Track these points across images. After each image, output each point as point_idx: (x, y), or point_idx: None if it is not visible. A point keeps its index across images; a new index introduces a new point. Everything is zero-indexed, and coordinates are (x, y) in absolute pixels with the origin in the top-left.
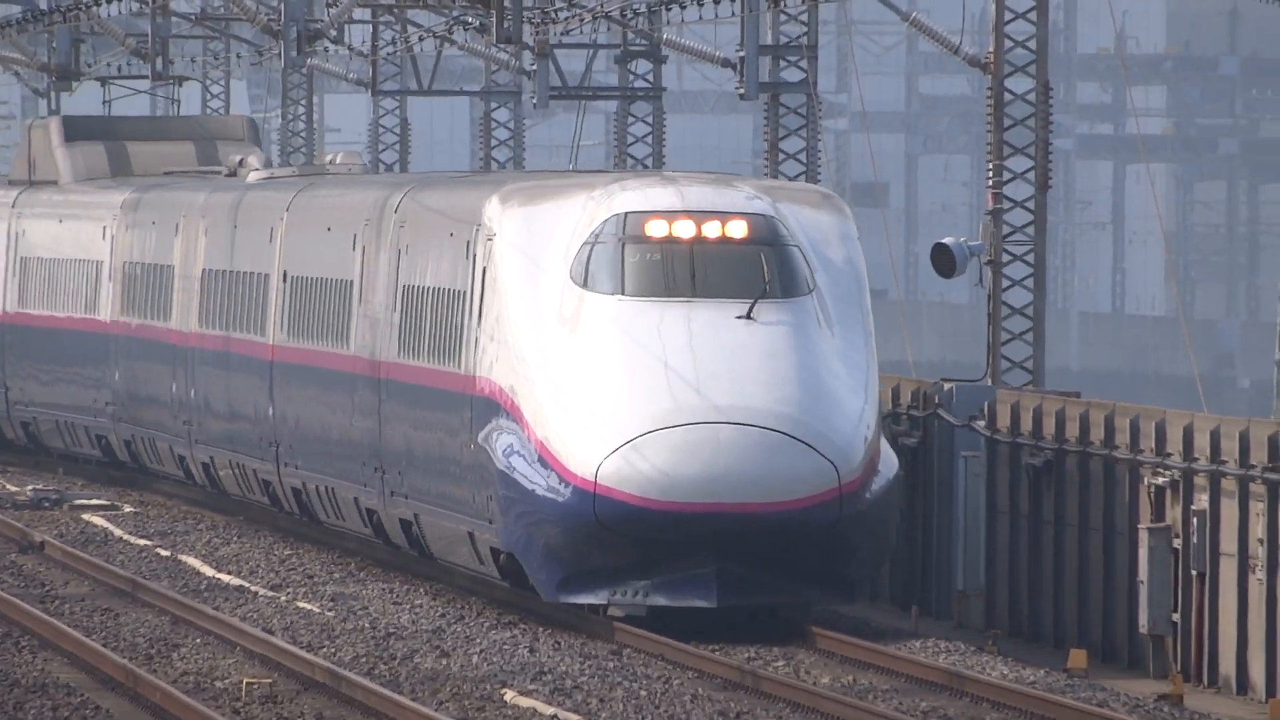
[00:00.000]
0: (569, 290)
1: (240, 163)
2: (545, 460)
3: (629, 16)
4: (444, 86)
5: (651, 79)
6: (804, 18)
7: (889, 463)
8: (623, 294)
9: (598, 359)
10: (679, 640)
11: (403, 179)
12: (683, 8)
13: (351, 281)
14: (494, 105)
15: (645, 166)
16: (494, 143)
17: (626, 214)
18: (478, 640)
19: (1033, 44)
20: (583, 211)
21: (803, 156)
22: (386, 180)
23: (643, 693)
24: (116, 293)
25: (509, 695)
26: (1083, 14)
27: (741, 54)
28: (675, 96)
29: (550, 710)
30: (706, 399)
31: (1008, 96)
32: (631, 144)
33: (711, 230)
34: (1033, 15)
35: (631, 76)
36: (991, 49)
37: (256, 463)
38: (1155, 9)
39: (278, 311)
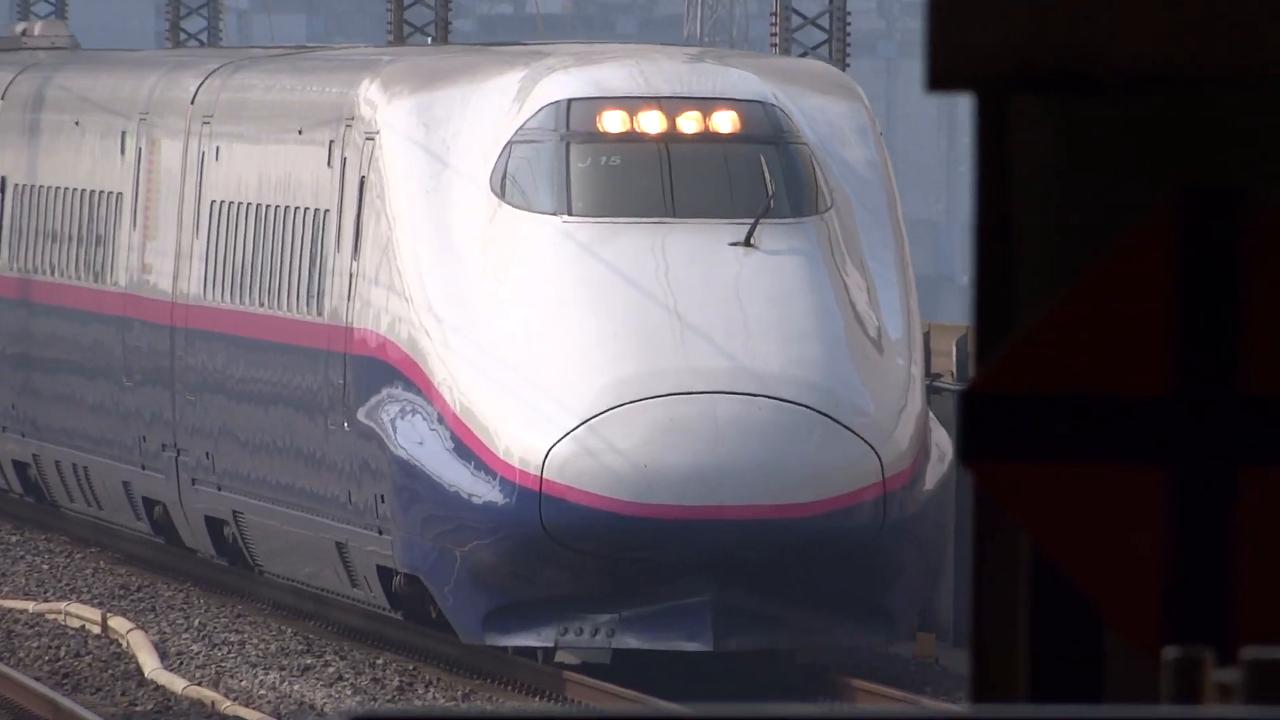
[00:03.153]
0: (490, 208)
1: None
2: (467, 446)
3: None
4: None
5: None
6: None
7: (941, 446)
8: (569, 214)
9: (538, 305)
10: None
11: (192, 56)
12: None
13: (120, 195)
14: None
15: None
16: None
17: (570, 101)
18: None
19: None
20: (505, 98)
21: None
22: (167, 59)
23: (45, 566)
24: None
25: None
26: None
27: None
28: None
29: None
30: (695, 360)
31: None
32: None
33: (689, 124)
34: None
35: None
36: None
37: None
38: None
39: None
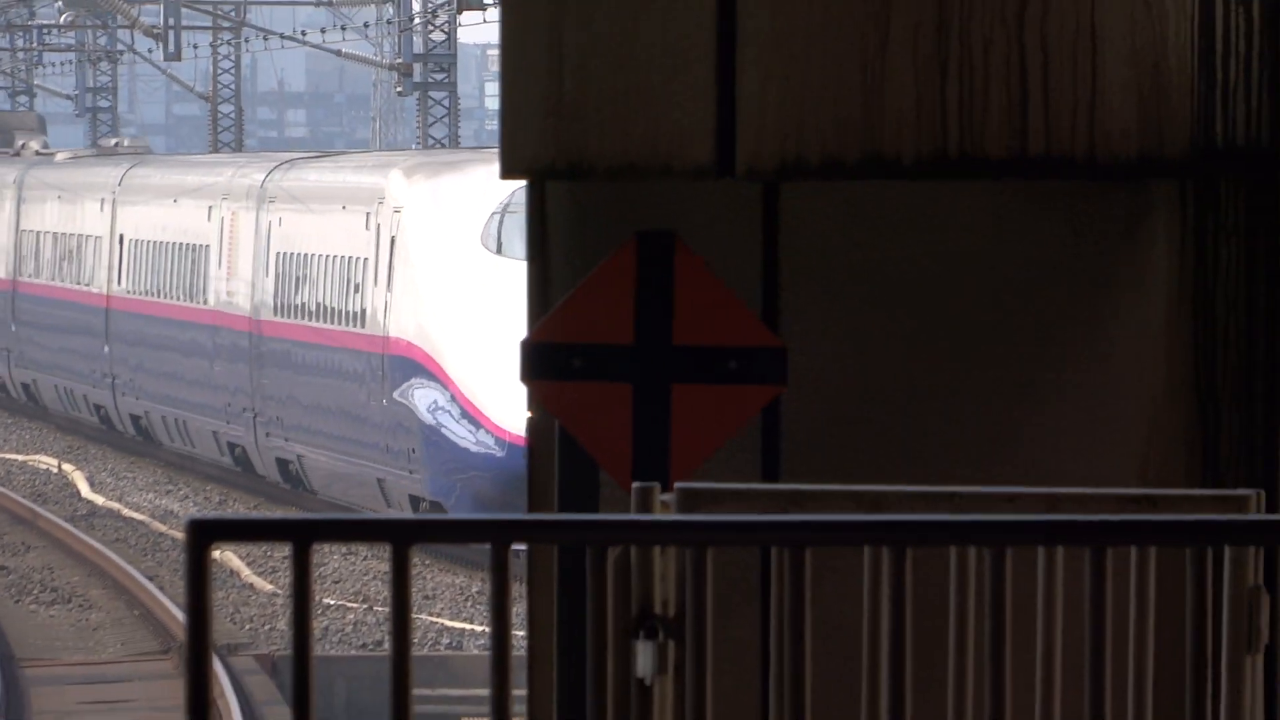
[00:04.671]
0: (482, 257)
1: (23, 145)
2: (471, 414)
3: None
4: None
5: None
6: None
7: None
8: None
9: (517, 320)
10: None
11: (254, 158)
12: None
13: (208, 246)
14: None
15: None
16: None
17: None
18: None
19: (233, 85)
20: (490, 182)
21: None
22: (236, 160)
23: (27, 435)
24: None
25: None
26: (261, 65)
27: (77, 93)
28: None
29: None
30: None
31: (221, 115)
32: None
33: None
34: (233, 70)
35: None
36: (210, 89)
37: (87, 388)
38: (299, 64)
39: (115, 269)
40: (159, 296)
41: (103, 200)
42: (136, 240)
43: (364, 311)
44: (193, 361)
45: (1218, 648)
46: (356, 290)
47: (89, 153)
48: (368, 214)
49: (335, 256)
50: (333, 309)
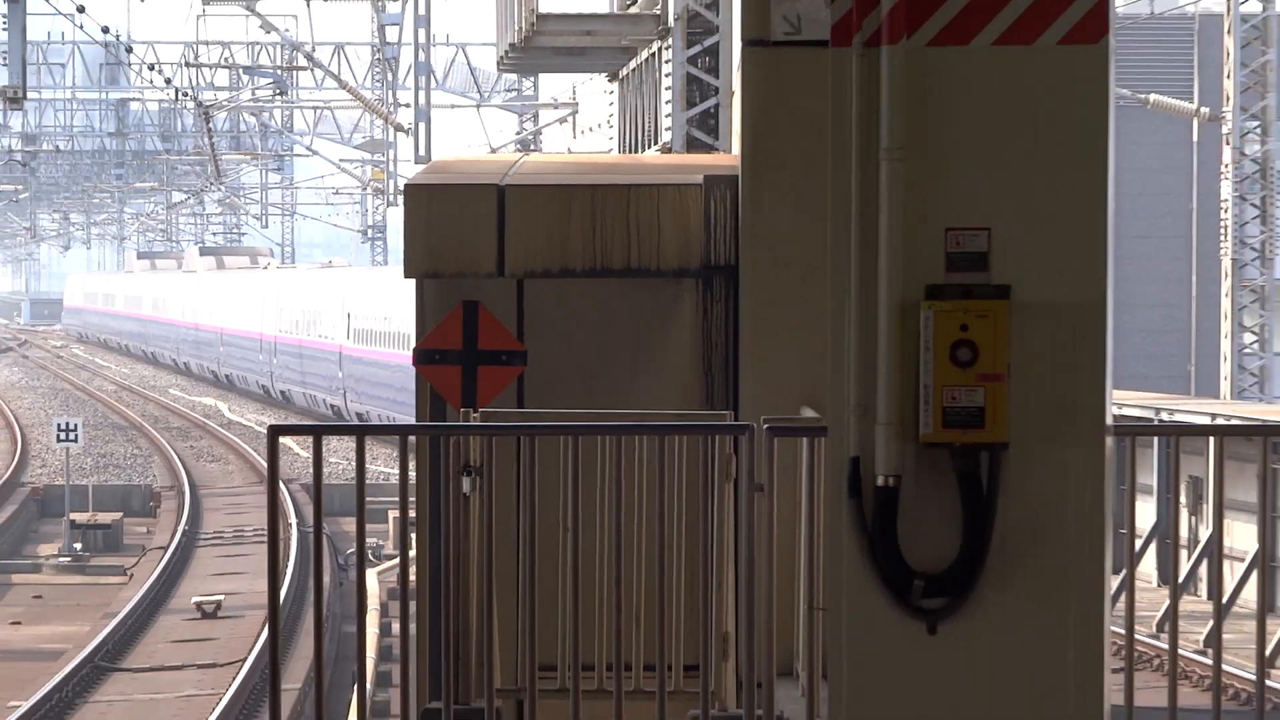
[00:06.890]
0: None
1: (267, 264)
2: None
3: None
4: None
5: None
6: None
7: None
8: None
9: None
10: None
11: None
12: None
13: (410, 319)
14: None
15: None
16: None
17: None
18: None
19: (290, 239)
20: None
21: None
22: None
23: (169, 382)
24: (218, 310)
25: None
26: (303, 230)
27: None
28: None
29: None
30: None
31: (285, 255)
32: None
33: None
34: (290, 232)
35: None
36: (281, 241)
37: (326, 395)
38: (319, 229)
39: (346, 331)
40: (377, 346)
41: (336, 292)
42: (360, 316)
43: None
44: (399, 380)
45: (712, 483)
46: None
47: (318, 266)
48: None
49: None
50: None
